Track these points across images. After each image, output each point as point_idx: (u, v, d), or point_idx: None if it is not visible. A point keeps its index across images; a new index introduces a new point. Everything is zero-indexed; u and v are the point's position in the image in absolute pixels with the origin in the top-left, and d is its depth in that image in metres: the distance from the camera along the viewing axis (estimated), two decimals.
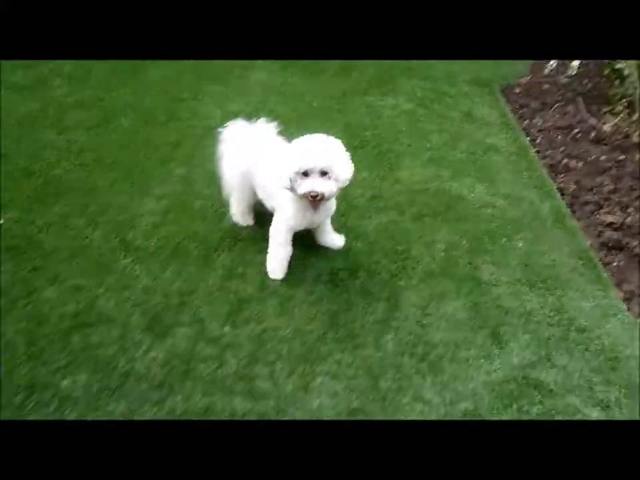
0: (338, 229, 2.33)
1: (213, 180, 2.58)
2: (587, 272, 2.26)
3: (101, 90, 3.43)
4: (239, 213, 2.29)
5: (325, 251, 2.20)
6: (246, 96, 3.48)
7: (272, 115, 3.25)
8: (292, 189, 1.82)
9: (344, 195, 2.55)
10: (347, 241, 2.25)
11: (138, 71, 3.71)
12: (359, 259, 2.16)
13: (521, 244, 2.37)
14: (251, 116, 3.22)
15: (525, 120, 3.68)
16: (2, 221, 2.18)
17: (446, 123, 3.38)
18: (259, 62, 3.91)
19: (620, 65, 3.78)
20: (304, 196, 1.81)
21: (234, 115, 3.21)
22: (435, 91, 3.82)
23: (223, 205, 2.41)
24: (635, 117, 3.59)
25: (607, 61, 3.86)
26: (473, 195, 2.68)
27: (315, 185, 1.77)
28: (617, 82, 3.86)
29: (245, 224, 2.29)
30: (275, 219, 2.03)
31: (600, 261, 2.41)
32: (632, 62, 3.72)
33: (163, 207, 2.37)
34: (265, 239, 2.21)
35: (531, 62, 4.58)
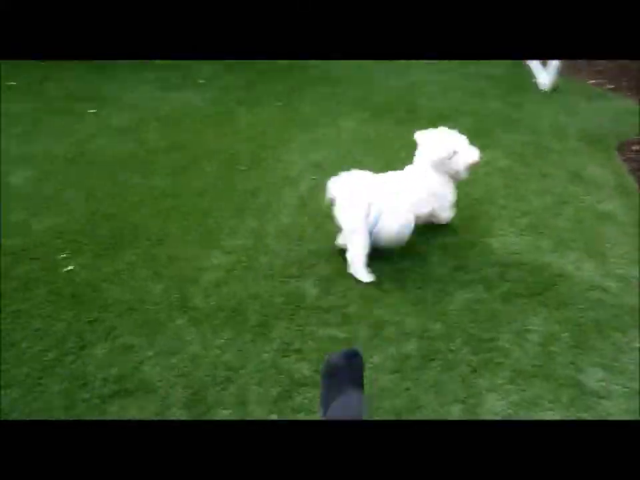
0: (414, 302, 2.07)
1: (285, 234, 2.45)
2: None
3: (192, 133, 3.50)
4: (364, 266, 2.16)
5: (398, 329, 1.94)
6: (333, 144, 3.37)
7: (356, 165, 3.10)
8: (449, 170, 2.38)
9: (422, 261, 2.29)
10: (422, 321, 1.97)
11: (231, 114, 3.77)
12: (436, 345, 1.87)
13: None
14: (335, 165, 3.10)
15: None
16: (72, 267, 2.19)
17: (549, 183, 3.00)
18: (350, 110, 3.81)
19: None
20: (470, 166, 2.42)
21: (317, 165, 3.12)
22: (538, 145, 3.46)
23: (293, 264, 2.26)
24: None
25: None
26: (579, 273, 2.28)
27: (475, 151, 2.44)
28: None
29: (369, 279, 2.15)
30: (440, 212, 2.47)
31: None
32: None
33: (229, 262, 2.26)
34: (329, 311, 2.01)
35: None
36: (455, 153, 2.34)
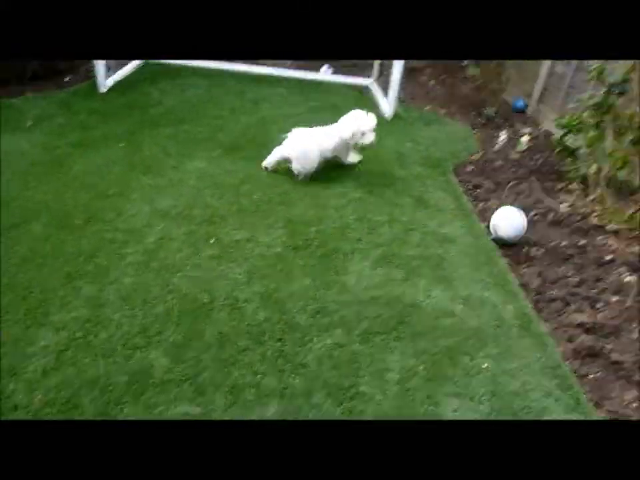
0: (273, 357, 1.98)
1: (127, 298, 2.21)
2: (564, 396, 1.96)
3: (17, 187, 3.06)
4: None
5: (257, 392, 1.82)
6: (180, 189, 3.17)
7: (207, 211, 2.96)
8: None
9: (281, 311, 2.21)
10: (282, 378, 1.89)
11: (62, 163, 3.38)
12: (296, 402, 1.79)
13: (486, 364, 2.06)
14: (183, 214, 2.91)
15: (480, 202, 3.50)
16: None
17: (397, 211, 3.14)
18: (197, 149, 3.65)
19: (569, 141, 3.71)
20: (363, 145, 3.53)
21: (164, 213, 2.91)
22: (385, 174, 3.62)
23: (137, 333, 2.03)
24: (591, 196, 3.46)
25: (555, 135, 3.79)
26: (429, 300, 2.38)
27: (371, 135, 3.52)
28: (568, 159, 3.77)
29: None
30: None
31: (575, 373, 2.12)
32: (580, 136, 3.65)
33: (60, 342, 1.96)
34: (181, 384, 1.83)
35: (480, 137, 4.50)
36: (362, 133, 3.43)
